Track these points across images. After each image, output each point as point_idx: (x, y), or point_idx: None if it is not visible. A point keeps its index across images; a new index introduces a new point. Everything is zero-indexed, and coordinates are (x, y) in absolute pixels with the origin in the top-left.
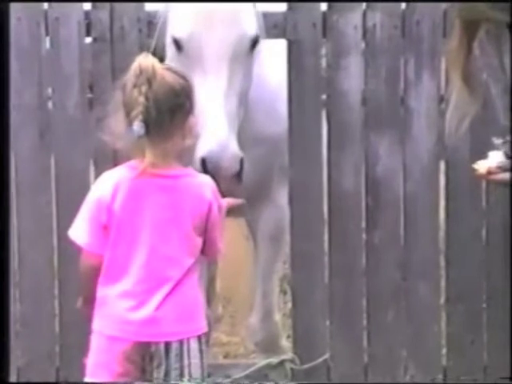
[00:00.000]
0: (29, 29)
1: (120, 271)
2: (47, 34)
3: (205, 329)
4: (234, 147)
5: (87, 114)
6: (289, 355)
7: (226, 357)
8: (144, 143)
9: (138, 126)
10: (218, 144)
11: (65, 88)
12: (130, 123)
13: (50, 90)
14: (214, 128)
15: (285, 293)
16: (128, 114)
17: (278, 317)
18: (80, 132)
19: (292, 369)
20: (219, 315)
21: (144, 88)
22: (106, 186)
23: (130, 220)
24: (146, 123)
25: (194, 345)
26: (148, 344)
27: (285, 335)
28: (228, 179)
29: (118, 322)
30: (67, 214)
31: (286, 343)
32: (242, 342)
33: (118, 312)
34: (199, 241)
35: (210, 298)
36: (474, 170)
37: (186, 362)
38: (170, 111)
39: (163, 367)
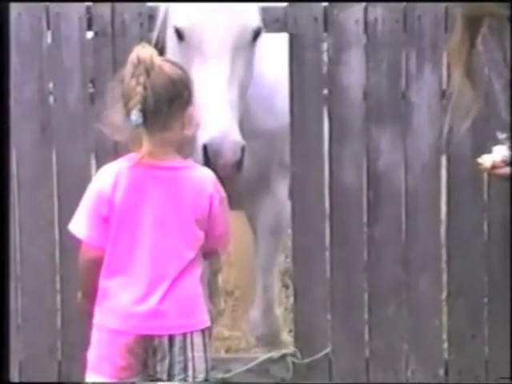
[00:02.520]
0: (30, 23)
1: (122, 264)
2: (48, 29)
3: (208, 323)
4: (235, 135)
5: (88, 109)
6: (290, 349)
7: (227, 351)
8: (142, 133)
9: (135, 116)
10: (220, 131)
11: (66, 82)
12: (128, 113)
13: (51, 85)
14: (216, 115)
15: (287, 287)
16: (126, 104)
17: (279, 311)
18: (81, 126)
19: (293, 363)
20: (221, 309)
21: (142, 78)
22: (105, 178)
23: (130, 212)
24: (144, 112)
25: (197, 338)
26: (151, 337)
27: (286, 329)
28: (229, 166)
29: (120, 315)
30: (68, 209)
31: (287, 337)
32: (244, 336)
33: (120, 305)
34: (201, 234)
35: (212, 293)
36: (479, 163)
37: (189, 355)
38: (167, 101)
39: (167, 360)
